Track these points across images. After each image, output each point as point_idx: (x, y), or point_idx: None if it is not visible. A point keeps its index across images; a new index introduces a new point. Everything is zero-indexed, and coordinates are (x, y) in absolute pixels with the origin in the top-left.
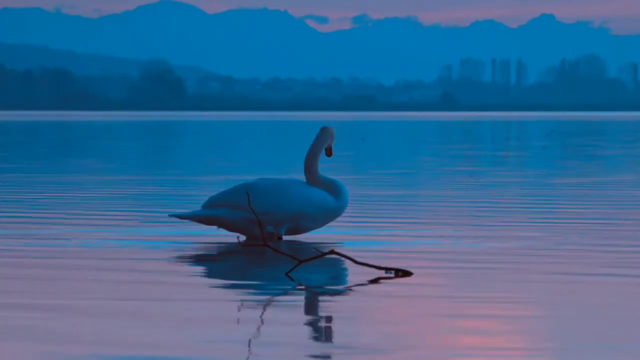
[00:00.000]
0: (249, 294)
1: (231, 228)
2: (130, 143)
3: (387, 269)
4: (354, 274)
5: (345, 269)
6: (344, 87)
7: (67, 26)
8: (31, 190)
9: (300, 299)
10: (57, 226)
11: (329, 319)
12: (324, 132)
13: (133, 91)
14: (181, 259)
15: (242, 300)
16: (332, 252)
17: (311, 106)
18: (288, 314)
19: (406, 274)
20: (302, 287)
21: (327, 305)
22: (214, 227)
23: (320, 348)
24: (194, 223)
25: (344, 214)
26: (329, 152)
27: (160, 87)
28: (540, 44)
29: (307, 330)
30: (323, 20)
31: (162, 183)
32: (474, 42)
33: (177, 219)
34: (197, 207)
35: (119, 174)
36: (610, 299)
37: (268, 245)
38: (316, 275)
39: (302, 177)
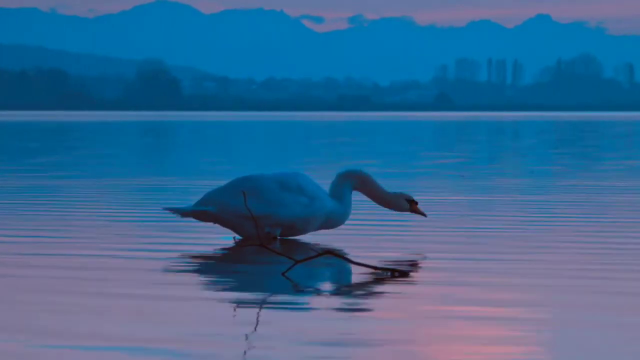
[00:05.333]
0: (245, 293)
1: (226, 225)
2: (126, 143)
3: (383, 269)
4: (350, 274)
5: (341, 269)
6: (339, 87)
7: (63, 26)
8: (25, 193)
9: (296, 299)
10: (55, 226)
11: (325, 319)
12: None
13: (128, 91)
14: (176, 258)
15: (237, 300)
16: (328, 252)
17: (307, 106)
18: (284, 314)
19: (403, 274)
20: (298, 287)
21: (324, 305)
22: (210, 224)
23: (316, 348)
24: (190, 221)
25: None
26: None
27: (155, 87)
28: (536, 44)
29: (303, 330)
30: (319, 20)
31: (157, 183)
32: (469, 42)
33: (172, 214)
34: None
35: (113, 174)
36: (616, 301)
37: (264, 245)
38: (312, 276)
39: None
